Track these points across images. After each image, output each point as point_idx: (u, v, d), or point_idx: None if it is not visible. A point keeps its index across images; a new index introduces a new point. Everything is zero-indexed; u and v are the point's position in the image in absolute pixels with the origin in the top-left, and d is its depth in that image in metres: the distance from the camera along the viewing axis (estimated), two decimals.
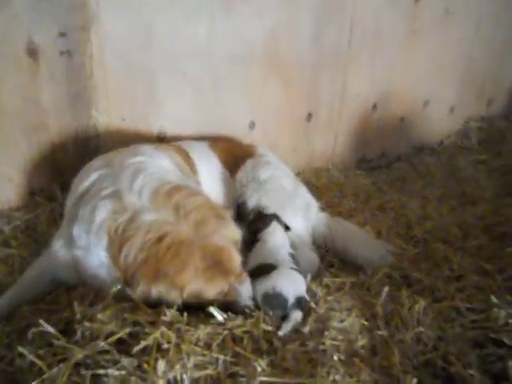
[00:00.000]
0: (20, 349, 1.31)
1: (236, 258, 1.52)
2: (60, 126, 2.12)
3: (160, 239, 1.41)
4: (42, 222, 2.09)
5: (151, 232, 1.42)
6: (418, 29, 2.95)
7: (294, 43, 2.53)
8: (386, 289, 1.65)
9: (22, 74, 1.94)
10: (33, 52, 1.93)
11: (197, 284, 1.44)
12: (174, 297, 1.42)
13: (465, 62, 3.36)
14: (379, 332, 1.51)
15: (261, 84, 2.54)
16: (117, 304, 1.47)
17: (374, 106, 3.01)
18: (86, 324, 1.37)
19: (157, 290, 1.41)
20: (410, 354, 1.43)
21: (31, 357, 1.29)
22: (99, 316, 1.40)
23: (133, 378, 1.20)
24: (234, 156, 2.25)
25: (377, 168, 3.14)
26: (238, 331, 1.43)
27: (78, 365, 1.26)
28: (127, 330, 1.36)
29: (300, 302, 1.53)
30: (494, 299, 1.58)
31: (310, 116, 2.78)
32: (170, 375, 1.22)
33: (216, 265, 1.46)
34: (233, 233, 1.55)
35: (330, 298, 1.63)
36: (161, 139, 2.36)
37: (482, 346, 1.44)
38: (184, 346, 1.31)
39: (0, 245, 1.97)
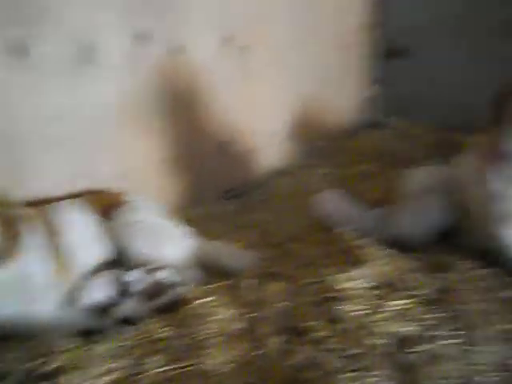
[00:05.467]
0: None
1: None
2: None
3: None
4: None
5: None
6: None
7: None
8: (251, 281, 2.06)
9: None
10: None
11: None
12: None
13: None
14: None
15: (124, 137, 2.86)
16: None
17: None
18: None
19: None
20: (275, 324, 1.83)
21: None
22: None
23: None
24: (105, 206, 2.48)
25: (241, 195, 3.60)
26: None
27: None
28: None
29: None
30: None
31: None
32: None
33: None
34: None
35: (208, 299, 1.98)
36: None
37: (325, 305, 1.90)
38: None
39: None
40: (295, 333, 1.80)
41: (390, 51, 4.58)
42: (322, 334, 1.76)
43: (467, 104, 3.94)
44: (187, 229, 2.64)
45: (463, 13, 3.95)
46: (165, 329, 1.81)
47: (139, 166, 3.02)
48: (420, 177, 2.41)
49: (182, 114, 3.17)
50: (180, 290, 2.09)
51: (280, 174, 3.90)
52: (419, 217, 2.30)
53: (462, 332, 1.73)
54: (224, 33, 3.22)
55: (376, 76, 4.74)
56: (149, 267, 2.25)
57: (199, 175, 3.40)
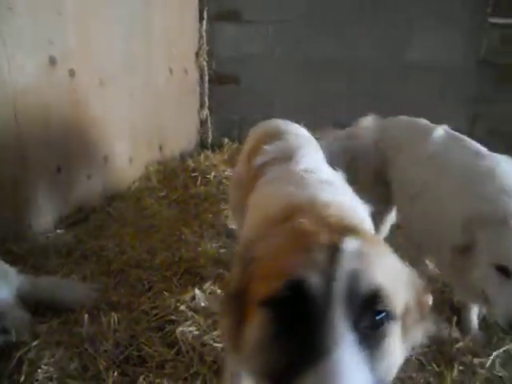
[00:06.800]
0: None
1: None
2: None
3: None
4: None
5: None
6: None
7: None
8: (86, 316, 2.01)
9: None
10: None
11: None
12: None
13: None
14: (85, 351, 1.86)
15: None
16: None
17: None
18: None
19: None
20: (112, 356, 1.84)
21: None
22: None
23: None
24: None
25: (77, 223, 3.44)
26: None
27: None
28: None
29: None
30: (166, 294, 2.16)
31: None
32: None
33: None
34: None
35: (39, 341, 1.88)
36: None
37: (162, 329, 1.98)
38: None
39: None
40: (135, 362, 1.84)
41: (221, 77, 4.91)
42: (162, 358, 1.84)
43: None
44: (9, 267, 2.44)
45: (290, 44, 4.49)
46: None
47: None
48: None
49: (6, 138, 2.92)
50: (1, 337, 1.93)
51: (118, 198, 3.84)
52: None
53: None
54: (48, 56, 3.07)
55: (209, 100, 5.03)
56: None
57: (28, 204, 3.15)
